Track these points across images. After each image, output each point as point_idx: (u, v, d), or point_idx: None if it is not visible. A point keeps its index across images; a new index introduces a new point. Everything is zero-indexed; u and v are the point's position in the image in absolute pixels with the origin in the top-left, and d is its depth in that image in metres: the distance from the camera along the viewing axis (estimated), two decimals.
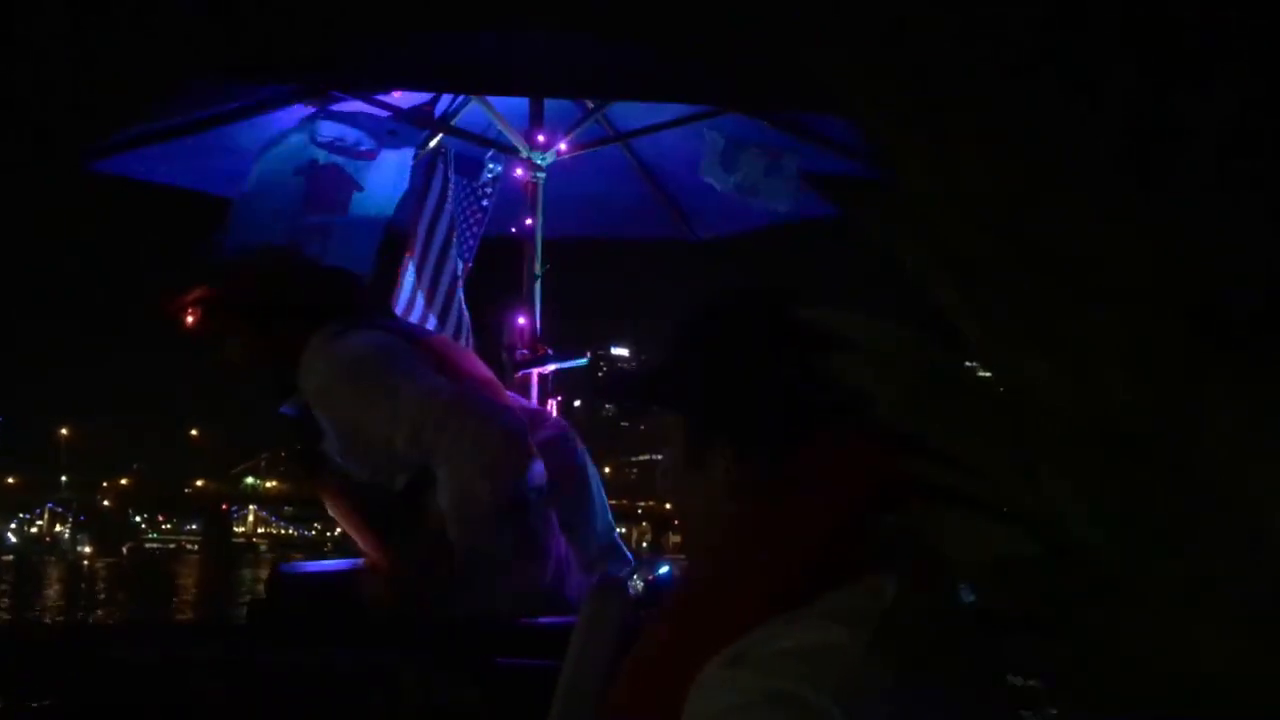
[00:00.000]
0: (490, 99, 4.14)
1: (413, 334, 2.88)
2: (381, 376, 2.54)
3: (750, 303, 1.14)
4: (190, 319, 2.68)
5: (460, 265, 4.28)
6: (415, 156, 4.05)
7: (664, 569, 3.16)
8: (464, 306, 4.25)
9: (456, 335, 4.15)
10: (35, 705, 2.68)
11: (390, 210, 3.95)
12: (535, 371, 4.19)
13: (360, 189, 3.88)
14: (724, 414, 1.09)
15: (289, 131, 3.86)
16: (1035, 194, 0.50)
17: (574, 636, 1.76)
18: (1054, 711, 0.54)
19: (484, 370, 2.86)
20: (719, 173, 4.19)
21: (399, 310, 4.14)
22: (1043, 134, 0.50)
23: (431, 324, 4.14)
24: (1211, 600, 0.48)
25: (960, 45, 0.51)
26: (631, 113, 4.51)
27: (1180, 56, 0.48)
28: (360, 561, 2.95)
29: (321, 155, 3.83)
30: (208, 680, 2.70)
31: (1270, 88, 0.47)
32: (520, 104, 4.23)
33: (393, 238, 4.15)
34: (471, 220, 4.34)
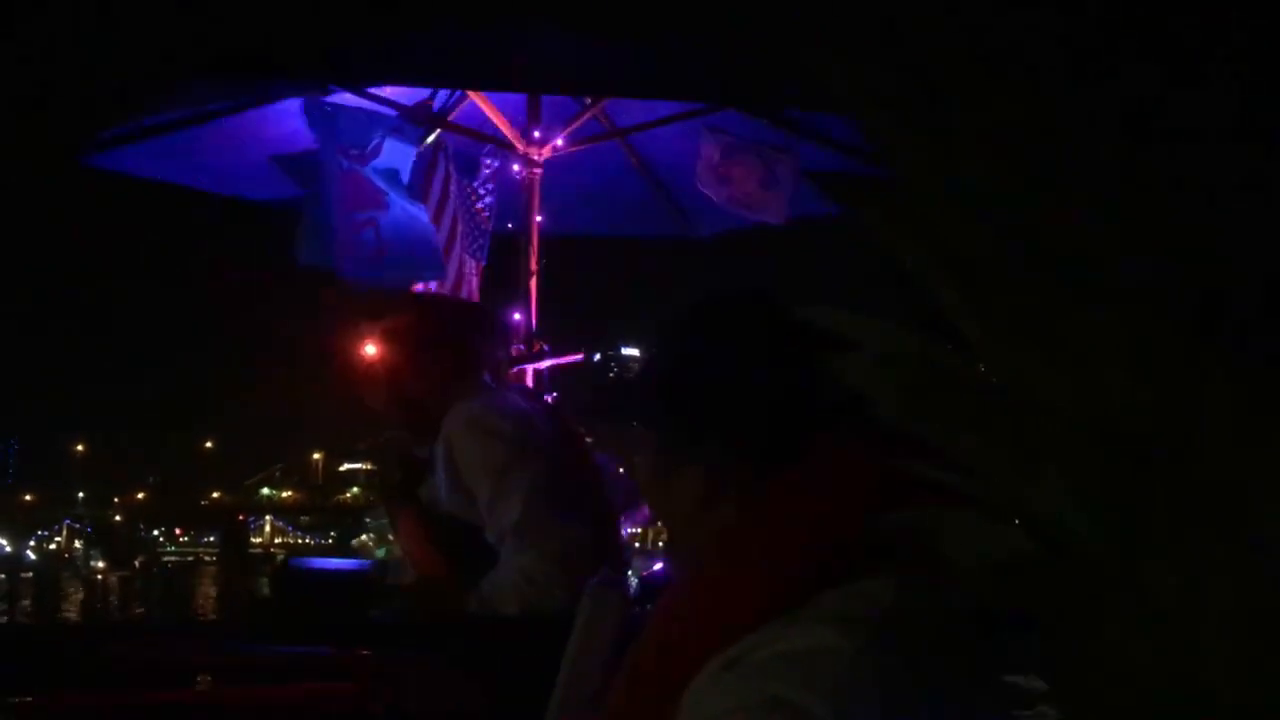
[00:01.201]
0: (487, 94, 4.14)
1: (548, 411, 2.84)
2: (512, 464, 2.48)
3: (713, 315, 1.14)
4: (376, 348, 2.62)
5: (472, 263, 4.28)
6: (416, 152, 4.04)
7: (658, 566, 3.17)
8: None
9: None
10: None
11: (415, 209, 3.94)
12: (530, 368, 4.19)
13: (387, 193, 3.87)
14: (688, 431, 1.09)
15: (319, 133, 3.85)
16: (1035, 194, 0.50)
17: (572, 636, 1.76)
18: (1053, 712, 0.54)
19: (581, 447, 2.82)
20: (714, 184, 4.21)
21: None
22: (1043, 134, 0.49)
23: None
24: (1211, 601, 0.48)
25: (960, 44, 0.51)
26: (630, 108, 4.50)
27: (1181, 56, 0.47)
28: (369, 563, 2.97)
29: (344, 162, 3.82)
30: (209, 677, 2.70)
31: (1270, 87, 0.47)
32: (517, 99, 4.22)
33: None
34: (478, 217, 4.34)
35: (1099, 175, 0.49)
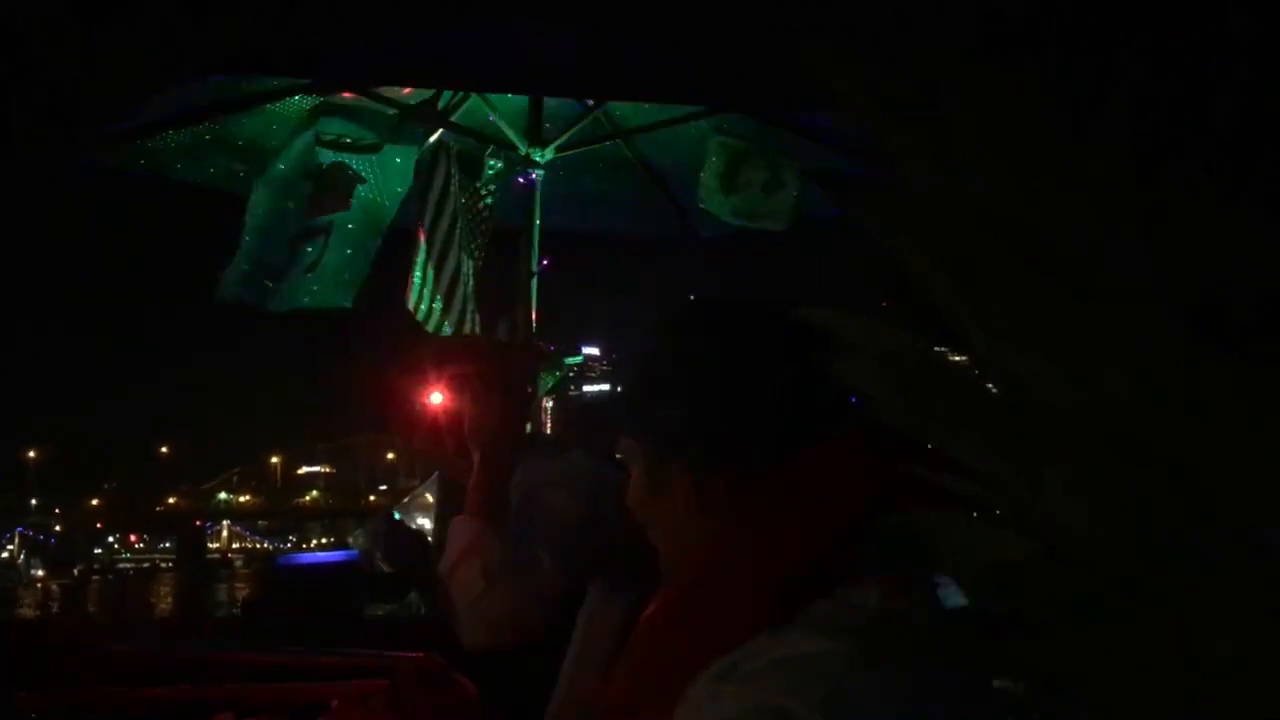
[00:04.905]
0: (489, 95, 4.13)
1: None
2: (552, 503, 2.40)
3: (700, 318, 1.14)
4: (445, 391, 2.55)
5: (469, 264, 4.29)
6: (418, 152, 4.05)
7: None
8: (472, 304, 4.25)
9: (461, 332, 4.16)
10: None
11: (395, 204, 3.96)
12: None
13: (363, 181, 3.89)
14: (679, 439, 1.09)
15: (297, 132, 3.87)
16: (1035, 194, 0.50)
17: (574, 636, 1.76)
18: (1053, 714, 0.53)
19: None
20: (718, 199, 4.22)
21: (410, 305, 4.16)
22: (1043, 133, 0.49)
23: (438, 319, 4.15)
24: (1212, 601, 0.48)
25: (961, 44, 0.51)
26: (632, 110, 4.50)
27: (1181, 56, 0.47)
28: (356, 553, 2.95)
29: (327, 156, 3.84)
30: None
31: (1271, 88, 0.47)
32: (519, 100, 4.22)
33: (401, 234, 4.17)
34: (477, 218, 4.34)
35: (1099, 175, 0.49)
